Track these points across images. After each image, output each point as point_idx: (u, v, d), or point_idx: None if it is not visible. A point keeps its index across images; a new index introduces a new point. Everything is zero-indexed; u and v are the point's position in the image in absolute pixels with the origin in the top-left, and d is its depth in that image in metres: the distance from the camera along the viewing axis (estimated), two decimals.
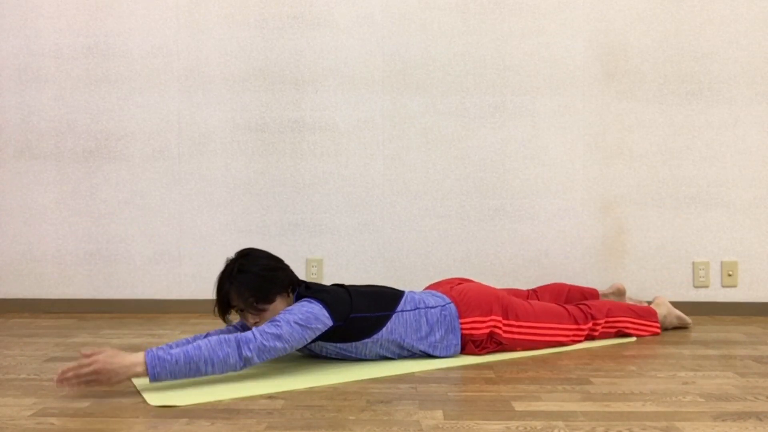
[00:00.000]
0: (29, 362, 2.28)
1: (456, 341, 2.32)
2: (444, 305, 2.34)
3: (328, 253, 3.19)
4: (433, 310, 2.31)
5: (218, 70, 3.23)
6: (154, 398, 1.85)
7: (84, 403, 1.83)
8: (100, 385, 1.88)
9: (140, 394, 1.90)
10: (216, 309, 2.24)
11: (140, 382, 2.01)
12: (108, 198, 3.26)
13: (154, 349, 1.92)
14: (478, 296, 2.38)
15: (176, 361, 1.90)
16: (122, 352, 1.91)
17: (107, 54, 3.25)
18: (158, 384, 1.98)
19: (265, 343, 1.99)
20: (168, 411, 1.77)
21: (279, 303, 2.17)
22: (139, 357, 1.89)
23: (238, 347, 1.96)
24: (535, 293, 2.89)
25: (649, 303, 2.87)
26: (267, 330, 2.00)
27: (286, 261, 2.29)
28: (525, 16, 3.20)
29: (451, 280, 2.69)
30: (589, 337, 2.54)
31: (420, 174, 3.22)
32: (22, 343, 2.58)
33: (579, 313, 2.53)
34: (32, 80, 3.26)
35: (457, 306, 2.34)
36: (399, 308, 2.26)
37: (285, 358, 2.32)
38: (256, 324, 2.16)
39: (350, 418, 1.71)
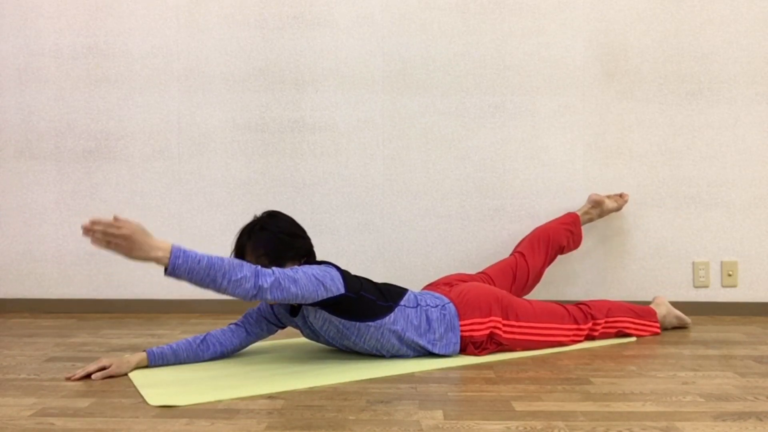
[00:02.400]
0: (29, 362, 2.28)
1: (455, 340, 2.32)
2: (443, 305, 2.35)
3: (328, 253, 3.18)
4: (433, 308, 2.32)
5: (218, 70, 3.23)
6: (154, 398, 1.85)
7: (84, 403, 1.83)
8: (119, 251, 1.83)
9: (140, 394, 1.90)
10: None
11: (140, 382, 2.01)
12: (108, 198, 3.26)
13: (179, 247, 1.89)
14: (478, 297, 2.38)
15: (199, 260, 1.89)
16: (150, 233, 1.87)
17: (107, 54, 3.25)
18: (158, 384, 1.98)
19: (281, 281, 2.01)
20: (168, 411, 1.77)
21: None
22: (165, 243, 1.87)
23: (256, 275, 1.97)
24: (522, 255, 2.90)
25: (649, 303, 2.87)
26: (286, 272, 2.03)
27: None
28: (525, 16, 3.20)
29: (448, 279, 2.69)
30: (589, 337, 2.55)
31: (420, 174, 3.22)
32: (22, 343, 2.58)
33: (579, 313, 2.53)
34: (32, 80, 3.26)
35: (457, 307, 2.35)
36: (402, 303, 2.28)
37: (285, 359, 2.32)
38: None
39: (350, 418, 1.71)
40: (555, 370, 2.17)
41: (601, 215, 3.12)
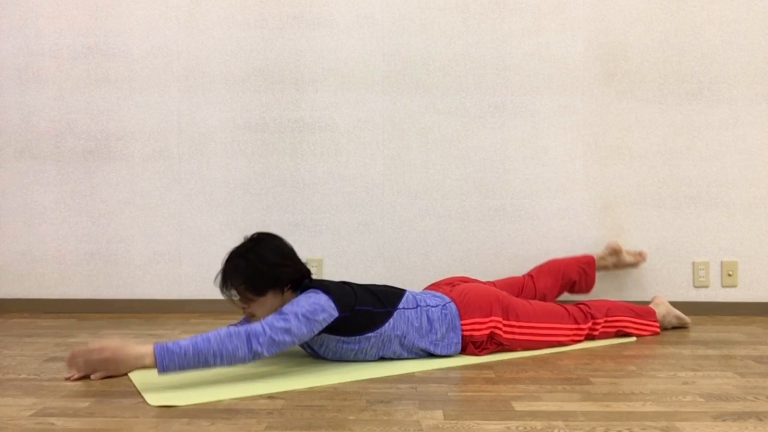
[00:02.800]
0: (29, 362, 2.28)
1: (457, 340, 2.32)
2: (444, 304, 2.34)
3: (328, 253, 3.18)
4: (434, 308, 2.32)
5: (218, 70, 3.23)
6: (154, 398, 1.85)
7: (84, 403, 1.83)
8: (107, 373, 1.90)
9: (140, 394, 1.90)
10: (217, 281, 2.23)
11: (140, 381, 2.01)
12: (108, 198, 3.26)
13: (162, 344, 1.93)
14: (478, 297, 2.38)
15: (185, 353, 1.91)
16: (131, 343, 1.92)
17: (107, 54, 3.25)
18: (158, 384, 1.98)
19: (274, 337, 2.00)
20: (168, 411, 1.77)
21: (271, 298, 2.17)
22: (147, 348, 1.90)
23: (248, 341, 1.97)
24: (531, 278, 2.90)
25: (649, 303, 2.87)
26: (276, 324, 2.01)
27: None
28: (525, 16, 3.20)
29: (450, 280, 2.69)
30: (589, 337, 2.55)
31: (420, 174, 3.22)
32: (22, 343, 2.58)
33: (578, 312, 2.53)
34: (32, 80, 3.26)
35: (458, 306, 2.35)
36: (401, 305, 2.27)
37: (285, 359, 2.32)
38: (244, 309, 2.19)
39: (350, 418, 1.71)
40: (555, 370, 2.17)
41: (617, 266, 3.07)
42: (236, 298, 2.18)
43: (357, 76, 3.21)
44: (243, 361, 1.97)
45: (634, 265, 3.11)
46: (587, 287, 3.01)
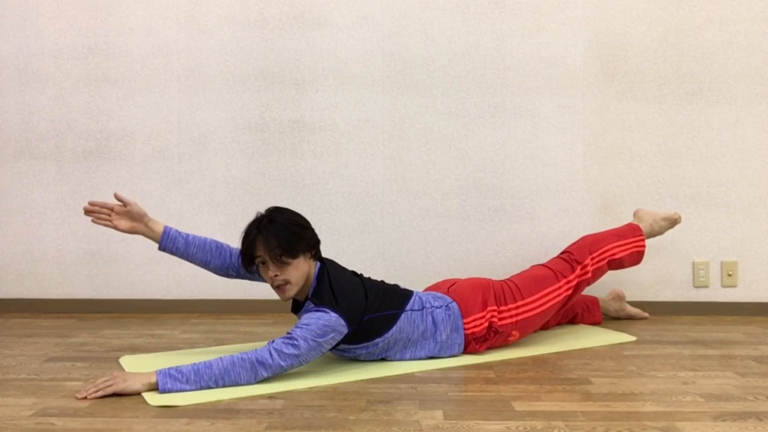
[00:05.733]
0: (29, 362, 2.28)
1: (460, 340, 2.32)
2: (447, 304, 2.35)
3: (328, 253, 3.17)
4: (438, 309, 2.32)
5: (218, 70, 3.23)
6: (154, 398, 1.86)
7: (84, 403, 1.83)
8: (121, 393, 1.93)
9: (140, 394, 1.90)
10: (240, 258, 2.24)
11: None
12: (108, 198, 3.25)
13: (165, 369, 1.95)
14: (473, 292, 2.39)
15: (186, 379, 1.93)
16: (134, 375, 1.94)
17: (107, 54, 3.25)
18: None
19: (282, 363, 2.01)
20: (168, 411, 1.77)
21: (302, 262, 2.16)
22: (151, 378, 1.92)
23: (254, 369, 1.98)
24: None
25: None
26: (285, 351, 2.01)
27: None
28: (525, 16, 3.20)
29: (446, 282, 2.69)
30: (585, 282, 2.53)
31: (420, 174, 3.22)
32: (22, 343, 2.58)
33: (564, 265, 2.52)
34: (32, 80, 3.26)
35: (459, 305, 2.35)
36: (408, 307, 2.27)
37: None
38: (274, 278, 2.15)
39: (350, 418, 1.71)
40: (555, 370, 2.17)
41: (617, 313, 2.99)
42: (271, 265, 2.14)
43: (357, 76, 3.21)
44: (246, 384, 1.98)
45: (633, 317, 3.02)
46: (588, 320, 2.89)
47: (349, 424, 1.67)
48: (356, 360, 2.28)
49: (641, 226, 2.76)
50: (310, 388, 1.98)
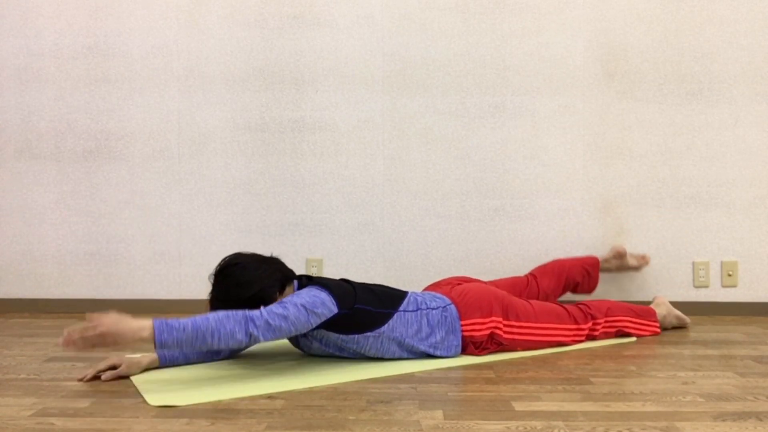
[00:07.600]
0: (29, 362, 2.28)
1: (456, 342, 2.32)
2: (445, 306, 2.34)
3: (328, 253, 3.19)
4: (434, 311, 2.31)
5: (218, 70, 3.23)
6: (154, 398, 1.85)
7: (84, 403, 1.83)
8: (106, 347, 1.87)
9: (140, 394, 1.90)
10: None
11: (140, 381, 2.01)
12: (108, 198, 3.26)
13: (161, 320, 1.91)
14: (479, 297, 2.38)
15: (183, 328, 1.90)
16: (128, 317, 1.89)
17: (107, 54, 3.25)
18: (158, 384, 1.98)
19: (271, 322, 2.00)
20: (168, 411, 1.77)
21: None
22: (146, 322, 1.89)
23: (245, 323, 1.97)
24: (534, 277, 2.90)
25: (649, 303, 2.87)
26: (274, 310, 2.02)
27: (286, 261, 2.29)
28: (525, 16, 3.20)
29: (450, 280, 2.69)
30: (590, 337, 2.54)
31: (420, 174, 3.22)
32: (22, 343, 2.58)
33: (579, 312, 2.53)
34: (32, 80, 3.26)
35: (458, 307, 2.35)
36: (402, 308, 2.27)
37: (285, 358, 2.32)
38: None
39: (350, 418, 1.71)
40: (555, 370, 2.17)
41: (619, 268, 3.09)
42: None
43: (357, 76, 3.22)
44: (239, 343, 1.96)
45: (637, 268, 3.11)
46: (590, 288, 3.01)
47: (348, 424, 1.67)
48: (355, 360, 2.28)
49: (657, 311, 2.77)
50: (310, 388, 1.98)
